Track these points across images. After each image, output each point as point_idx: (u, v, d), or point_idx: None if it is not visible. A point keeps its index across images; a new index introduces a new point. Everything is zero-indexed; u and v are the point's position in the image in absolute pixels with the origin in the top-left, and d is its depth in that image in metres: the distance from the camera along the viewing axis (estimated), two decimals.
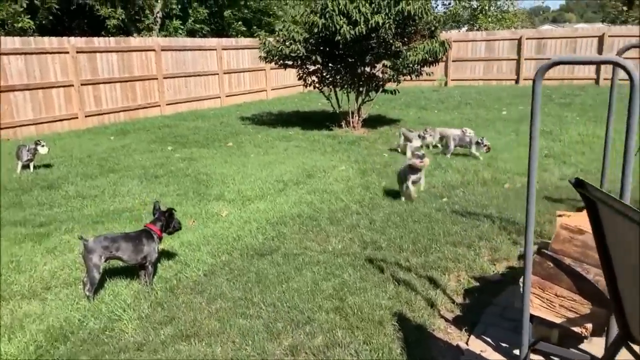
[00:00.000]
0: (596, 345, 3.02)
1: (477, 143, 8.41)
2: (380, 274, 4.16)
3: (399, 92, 11.69)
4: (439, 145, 9.36)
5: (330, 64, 11.21)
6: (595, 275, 2.73)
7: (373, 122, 12.09)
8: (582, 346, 3.04)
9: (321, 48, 10.74)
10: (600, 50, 18.63)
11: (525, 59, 19.90)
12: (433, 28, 10.90)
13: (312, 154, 9.07)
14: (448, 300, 3.76)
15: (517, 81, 20.15)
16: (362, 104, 11.43)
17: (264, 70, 18.10)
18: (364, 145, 9.64)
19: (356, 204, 6.11)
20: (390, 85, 11.53)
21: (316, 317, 3.56)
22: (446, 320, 3.52)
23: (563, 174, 7.37)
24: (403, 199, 6.19)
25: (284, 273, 4.28)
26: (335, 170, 7.76)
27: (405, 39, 10.69)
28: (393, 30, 9.96)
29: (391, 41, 10.21)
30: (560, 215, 3.33)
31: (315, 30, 10.15)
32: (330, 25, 9.81)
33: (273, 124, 12.38)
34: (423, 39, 10.79)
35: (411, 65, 10.63)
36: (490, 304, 3.66)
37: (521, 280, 2.90)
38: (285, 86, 19.60)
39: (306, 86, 11.78)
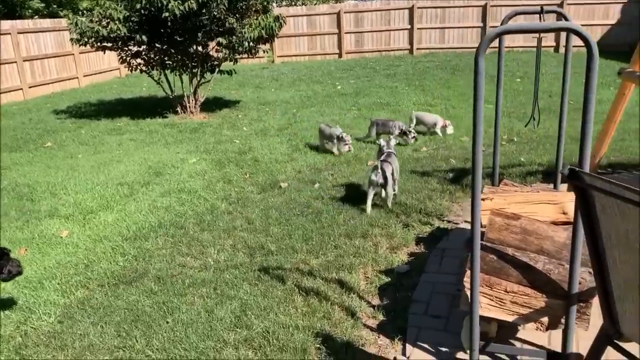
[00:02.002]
0: (536, 334, 2.87)
1: (404, 133, 7.37)
2: (282, 286, 3.62)
3: (236, 72, 11.00)
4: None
5: (157, 44, 10.07)
6: (544, 263, 2.52)
7: (211, 105, 11.26)
8: (534, 339, 2.86)
9: (146, 27, 9.56)
10: (411, 20, 19.76)
11: (346, 33, 20.39)
12: (265, 3, 10.35)
13: (153, 147, 8.05)
14: (366, 304, 3.37)
15: (340, 55, 20.59)
16: (198, 87, 10.53)
17: (73, 54, 15.94)
18: (209, 132, 8.85)
19: (224, 202, 5.43)
20: (226, 65, 10.78)
21: (224, 356, 2.91)
22: (371, 329, 3.12)
23: (414, 144, 7.47)
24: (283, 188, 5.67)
25: (165, 303, 3.51)
26: (186, 164, 6.92)
27: (238, 15, 10.00)
28: (225, 5, 9.21)
29: (224, 17, 9.46)
30: (483, 199, 3.09)
31: (138, 6, 8.96)
32: (156, 0, 8.72)
33: (96, 116, 10.86)
34: (257, 14, 10.20)
35: (247, 43, 10.00)
36: (411, 301, 3.35)
37: (466, 279, 2.60)
38: (99, 71, 17.53)
39: (131, 70, 10.48)
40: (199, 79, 10.49)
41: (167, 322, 3.28)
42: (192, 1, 8.69)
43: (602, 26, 17.62)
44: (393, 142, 5.44)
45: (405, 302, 3.34)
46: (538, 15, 3.52)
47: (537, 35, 4.00)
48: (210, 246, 4.37)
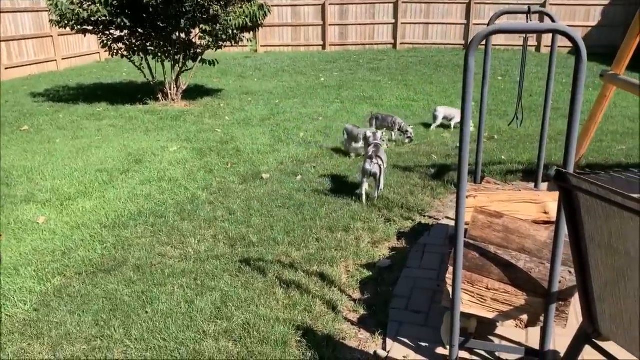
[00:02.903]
0: (514, 331, 2.91)
1: (403, 131, 7.13)
2: (263, 278, 3.61)
3: (218, 62, 10.88)
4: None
5: (139, 30, 9.91)
6: (525, 262, 2.55)
7: (193, 93, 11.14)
8: (512, 335, 2.90)
9: (128, 11, 9.38)
10: (395, 15, 19.78)
11: (330, 25, 20.32)
12: None
13: (133, 133, 7.93)
14: (347, 298, 3.38)
15: (323, 47, 20.53)
16: (180, 74, 10.40)
17: (51, 37, 15.58)
18: (191, 121, 8.76)
19: (204, 192, 5.38)
20: (209, 53, 10.66)
21: (204, 348, 2.89)
22: (352, 323, 3.13)
23: (396, 138, 7.49)
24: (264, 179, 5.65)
25: (144, 293, 3.47)
26: (166, 152, 6.84)
27: (222, 2, 9.87)
28: None
29: (207, 4, 9.34)
30: (466, 197, 3.09)
31: None
32: None
33: (74, 100, 10.65)
34: (242, 2, 10.09)
35: (231, 31, 9.90)
36: (392, 296, 3.37)
37: (448, 275, 2.62)
38: (79, 55, 17.19)
39: (112, 55, 10.28)
40: (181, 66, 10.35)
41: (147, 312, 3.25)
42: None
43: (582, 27, 17.84)
44: (379, 134, 5.49)
45: (386, 297, 3.36)
46: (525, 15, 3.54)
47: (523, 34, 4.03)
48: (190, 236, 4.33)
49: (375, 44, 20.19)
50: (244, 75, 14.06)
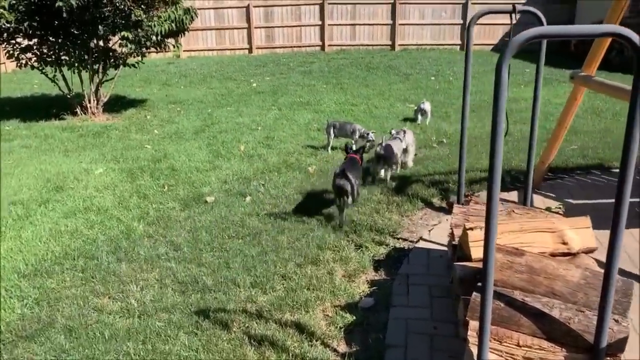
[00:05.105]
0: None
1: (364, 137, 6.51)
2: (227, 334, 3.00)
3: (143, 62, 10.03)
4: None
5: (51, 37, 8.88)
6: (560, 310, 2.13)
7: (115, 105, 10.18)
8: None
9: (37, 17, 8.36)
10: (322, 16, 19.44)
11: (255, 28, 19.69)
12: None
13: (50, 155, 6.99)
14: (332, 353, 2.85)
15: (250, 50, 19.87)
16: (100, 85, 9.45)
17: None
18: (116, 137, 7.90)
19: (141, 223, 4.67)
20: (132, 61, 9.78)
21: None
22: None
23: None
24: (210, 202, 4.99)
25: None
26: (91, 176, 6.02)
27: (144, 7, 9.05)
28: None
29: (128, 9, 8.50)
30: (470, 229, 2.64)
31: None
32: None
33: None
34: (165, 6, 9.30)
35: (155, 37, 9.10)
36: (385, 346, 2.87)
37: (470, 332, 2.16)
38: None
39: (20, 66, 9.18)
40: (100, 76, 9.41)
41: None
42: None
43: (503, 25, 18.11)
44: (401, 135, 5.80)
45: (379, 347, 2.86)
46: (509, 15, 3.18)
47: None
48: (131, 282, 3.65)
49: (304, 47, 19.77)
50: (169, 82, 13.17)
